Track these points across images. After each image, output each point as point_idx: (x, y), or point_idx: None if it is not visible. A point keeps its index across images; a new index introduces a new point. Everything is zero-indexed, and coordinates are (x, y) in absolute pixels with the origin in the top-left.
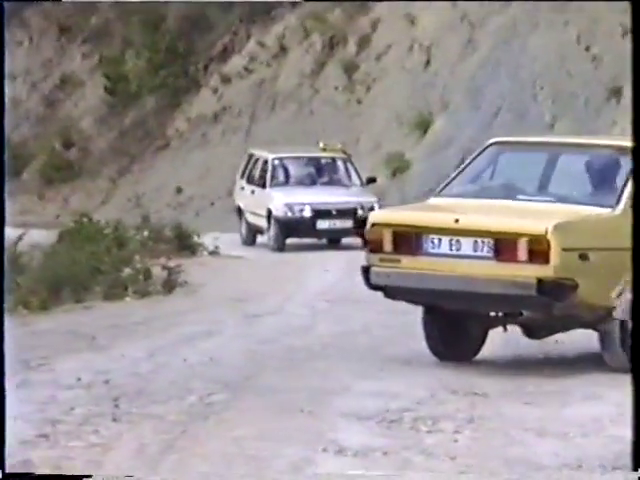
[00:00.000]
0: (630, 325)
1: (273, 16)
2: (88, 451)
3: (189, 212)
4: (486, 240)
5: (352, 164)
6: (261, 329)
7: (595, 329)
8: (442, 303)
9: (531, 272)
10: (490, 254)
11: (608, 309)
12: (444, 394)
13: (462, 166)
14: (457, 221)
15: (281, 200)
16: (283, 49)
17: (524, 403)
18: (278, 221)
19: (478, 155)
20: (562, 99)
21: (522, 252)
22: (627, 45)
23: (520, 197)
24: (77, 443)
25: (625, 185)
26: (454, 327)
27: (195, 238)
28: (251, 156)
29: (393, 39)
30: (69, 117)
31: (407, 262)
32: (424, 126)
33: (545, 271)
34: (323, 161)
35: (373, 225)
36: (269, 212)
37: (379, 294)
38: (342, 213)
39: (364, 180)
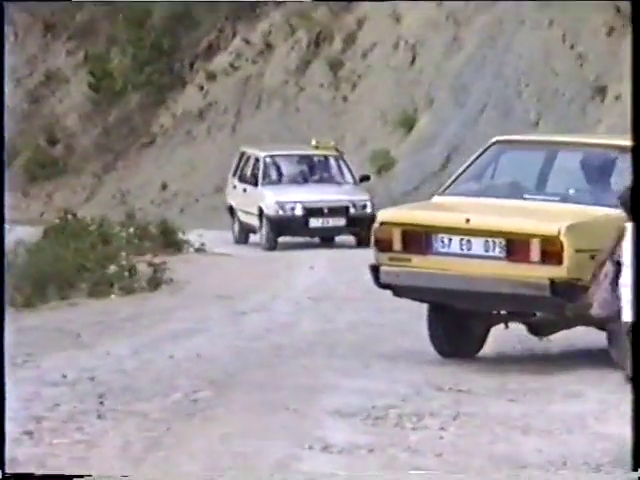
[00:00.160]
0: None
1: (258, 13)
2: (73, 448)
3: (174, 209)
4: (497, 240)
5: (345, 162)
6: (247, 326)
7: (602, 328)
8: (452, 302)
9: (544, 273)
10: (501, 254)
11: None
12: (429, 391)
13: (465, 165)
14: (468, 221)
15: (272, 198)
16: (268, 46)
17: (509, 400)
18: (269, 220)
19: (481, 154)
20: (547, 97)
21: (535, 253)
22: (612, 44)
23: (527, 196)
24: (62, 440)
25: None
26: (458, 325)
27: (180, 235)
28: (243, 154)
29: (378, 37)
30: (54, 114)
31: (417, 261)
32: (409, 123)
33: (558, 272)
34: (315, 159)
35: (382, 224)
36: (260, 210)
37: (364, 292)
38: (334, 211)
39: (357, 178)
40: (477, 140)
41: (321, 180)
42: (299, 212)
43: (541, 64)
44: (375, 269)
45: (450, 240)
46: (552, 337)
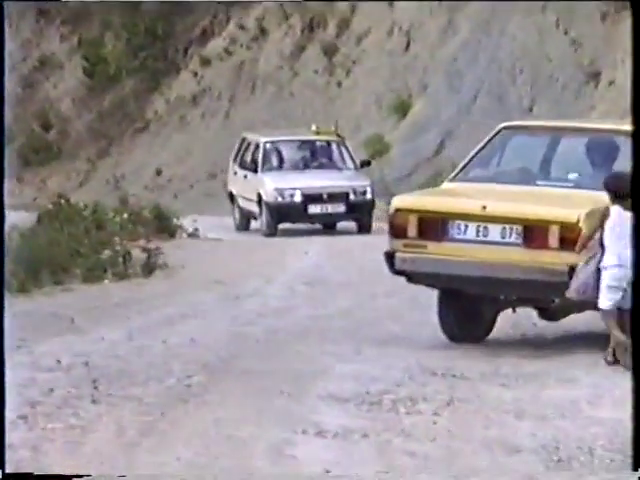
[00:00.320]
0: None
1: (253, 0)
2: (67, 433)
3: (168, 194)
4: (515, 227)
5: (346, 147)
6: (241, 311)
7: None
8: (468, 289)
9: (562, 259)
10: (519, 241)
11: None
12: (423, 376)
13: (474, 151)
14: (485, 208)
15: (272, 185)
16: (263, 32)
17: (502, 385)
18: (269, 206)
19: (490, 140)
20: (541, 82)
21: (553, 239)
22: (606, 29)
23: (539, 182)
24: (56, 425)
25: None
26: (468, 311)
27: (174, 220)
28: (244, 140)
29: (373, 22)
30: (48, 99)
31: (432, 248)
32: (403, 109)
33: (577, 258)
34: (316, 144)
35: (397, 210)
36: (260, 197)
37: (358, 278)
38: (334, 197)
39: (358, 163)
40: (471, 125)
41: (321, 166)
42: (298, 199)
43: (535, 49)
44: (390, 255)
45: (466, 227)
46: (544, 322)
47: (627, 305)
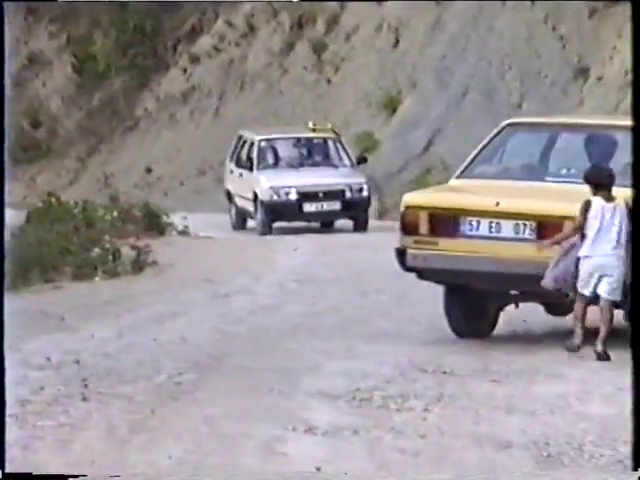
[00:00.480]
0: None
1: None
2: (57, 431)
3: (158, 192)
4: (528, 223)
5: (342, 144)
6: (230, 309)
7: (622, 307)
8: (481, 284)
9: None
10: (532, 236)
11: None
12: (413, 373)
13: (479, 148)
14: (498, 204)
15: (267, 183)
16: (252, 29)
17: (492, 381)
18: (264, 205)
19: (494, 137)
20: (530, 79)
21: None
22: (594, 25)
23: (548, 178)
24: (46, 423)
25: None
26: (475, 306)
27: (164, 218)
28: (240, 137)
29: (362, 19)
30: (37, 97)
31: (444, 244)
32: (393, 106)
33: None
34: (312, 142)
35: (408, 207)
36: (255, 195)
37: (346, 274)
38: (329, 195)
39: (354, 160)
40: (461, 122)
41: (317, 163)
42: (293, 197)
43: (524, 46)
44: (401, 252)
45: (479, 223)
46: (534, 318)
47: (612, 297)
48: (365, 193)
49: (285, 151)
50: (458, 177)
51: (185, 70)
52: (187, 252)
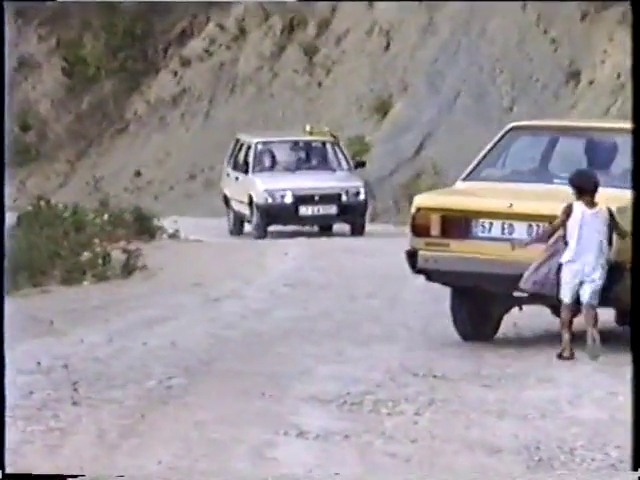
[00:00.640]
0: None
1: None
2: (47, 435)
3: (148, 195)
4: (542, 224)
5: (340, 147)
6: (221, 313)
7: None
8: (492, 287)
9: None
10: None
11: None
12: (404, 377)
13: (484, 151)
14: (511, 205)
15: (262, 186)
16: (242, 32)
17: (483, 385)
18: (259, 208)
19: (499, 140)
20: (521, 83)
21: None
22: (585, 29)
23: (556, 181)
24: (36, 427)
25: None
26: (481, 309)
27: (154, 222)
28: (237, 141)
29: (352, 22)
30: (26, 100)
31: (455, 246)
32: (384, 109)
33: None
34: (309, 145)
35: (419, 209)
36: (251, 199)
37: (337, 279)
38: (325, 199)
39: (352, 164)
40: (452, 125)
41: (314, 167)
42: (289, 200)
43: (515, 49)
44: (412, 254)
45: (491, 225)
46: (525, 322)
47: (593, 301)
48: (362, 197)
49: (282, 154)
50: (464, 180)
51: (175, 73)
52: (177, 256)
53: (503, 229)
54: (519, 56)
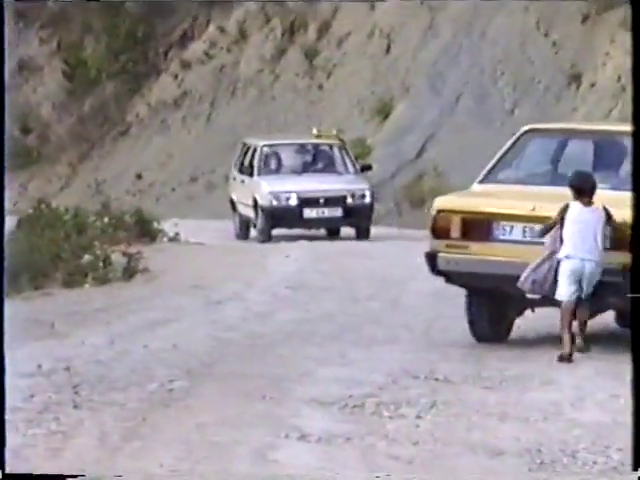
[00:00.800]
0: None
1: (233, 1)
2: (48, 439)
3: (149, 198)
4: None
5: (346, 150)
6: (223, 316)
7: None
8: (512, 289)
9: (613, 259)
10: None
11: None
12: (406, 380)
13: (500, 154)
14: (534, 209)
15: (267, 188)
16: (243, 35)
17: (485, 388)
18: (263, 210)
19: (514, 143)
20: (522, 85)
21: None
22: (586, 31)
23: None
24: (37, 431)
25: None
26: (496, 310)
27: (155, 224)
28: (244, 145)
29: (353, 25)
30: (27, 103)
31: (476, 248)
32: (385, 112)
33: (626, 258)
34: (316, 148)
35: (440, 211)
36: (255, 201)
37: (339, 281)
38: (331, 201)
39: (358, 167)
40: (454, 128)
41: (320, 169)
42: (294, 202)
43: (517, 52)
44: (432, 256)
45: (512, 227)
46: (527, 323)
47: (587, 299)
48: (367, 200)
49: (288, 157)
50: (481, 182)
51: (176, 76)
52: (179, 259)
53: (524, 232)
54: (521, 58)
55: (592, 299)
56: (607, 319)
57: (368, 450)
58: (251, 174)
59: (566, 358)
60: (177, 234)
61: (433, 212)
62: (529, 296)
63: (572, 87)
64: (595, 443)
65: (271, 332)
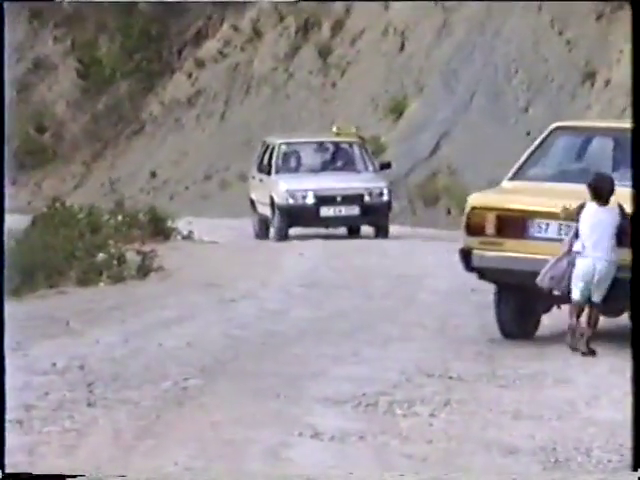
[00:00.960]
0: None
1: (246, 0)
2: (63, 436)
3: (163, 196)
4: None
5: (365, 148)
6: (237, 314)
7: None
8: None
9: (629, 256)
10: None
11: None
12: (419, 378)
13: (529, 151)
14: (570, 206)
15: (284, 187)
16: (257, 33)
17: (499, 386)
18: (280, 209)
19: (543, 140)
20: (536, 83)
21: None
22: (601, 29)
23: None
24: (52, 428)
25: None
26: (525, 307)
27: (169, 223)
28: (264, 144)
29: (367, 23)
30: (42, 101)
31: (511, 245)
32: (399, 110)
33: None
34: (335, 146)
35: (474, 208)
36: (272, 200)
37: (353, 280)
38: (348, 199)
39: (377, 165)
40: (467, 126)
41: (339, 168)
42: (310, 200)
43: (530, 50)
44: (466, 253)
45: (547, 225)
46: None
47: (599, 299)
48: (385, 198)
49: (307, 156)
50: (511, 179)
51: (190, 75)
52: (193, 257)
53: (560, 230)
54: (535, 56)
55: (610, 297)
56: (622, 316)
57: (381, 448)
58: (269, 173)
59: (574, 347)
60: (191, 232)
61: (467, 209)
62: (556, 293)
63: (586, 85)
64: (610, 441)
65: (285, 330)
